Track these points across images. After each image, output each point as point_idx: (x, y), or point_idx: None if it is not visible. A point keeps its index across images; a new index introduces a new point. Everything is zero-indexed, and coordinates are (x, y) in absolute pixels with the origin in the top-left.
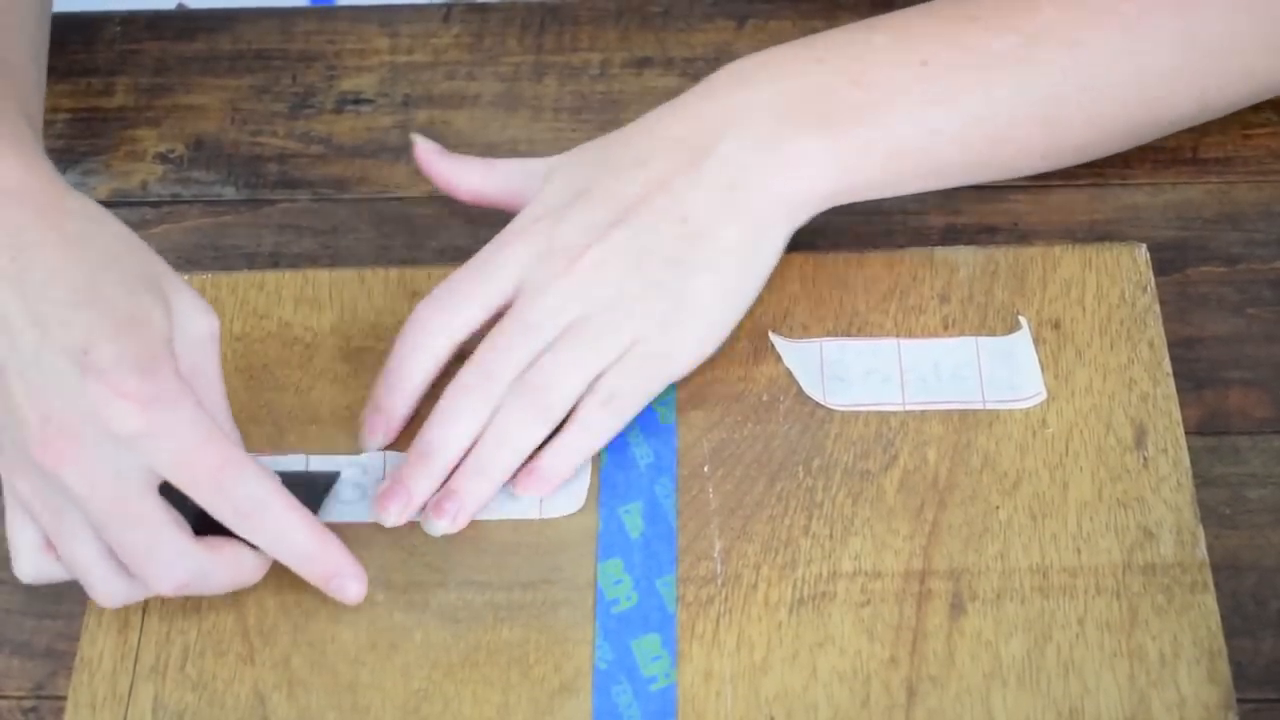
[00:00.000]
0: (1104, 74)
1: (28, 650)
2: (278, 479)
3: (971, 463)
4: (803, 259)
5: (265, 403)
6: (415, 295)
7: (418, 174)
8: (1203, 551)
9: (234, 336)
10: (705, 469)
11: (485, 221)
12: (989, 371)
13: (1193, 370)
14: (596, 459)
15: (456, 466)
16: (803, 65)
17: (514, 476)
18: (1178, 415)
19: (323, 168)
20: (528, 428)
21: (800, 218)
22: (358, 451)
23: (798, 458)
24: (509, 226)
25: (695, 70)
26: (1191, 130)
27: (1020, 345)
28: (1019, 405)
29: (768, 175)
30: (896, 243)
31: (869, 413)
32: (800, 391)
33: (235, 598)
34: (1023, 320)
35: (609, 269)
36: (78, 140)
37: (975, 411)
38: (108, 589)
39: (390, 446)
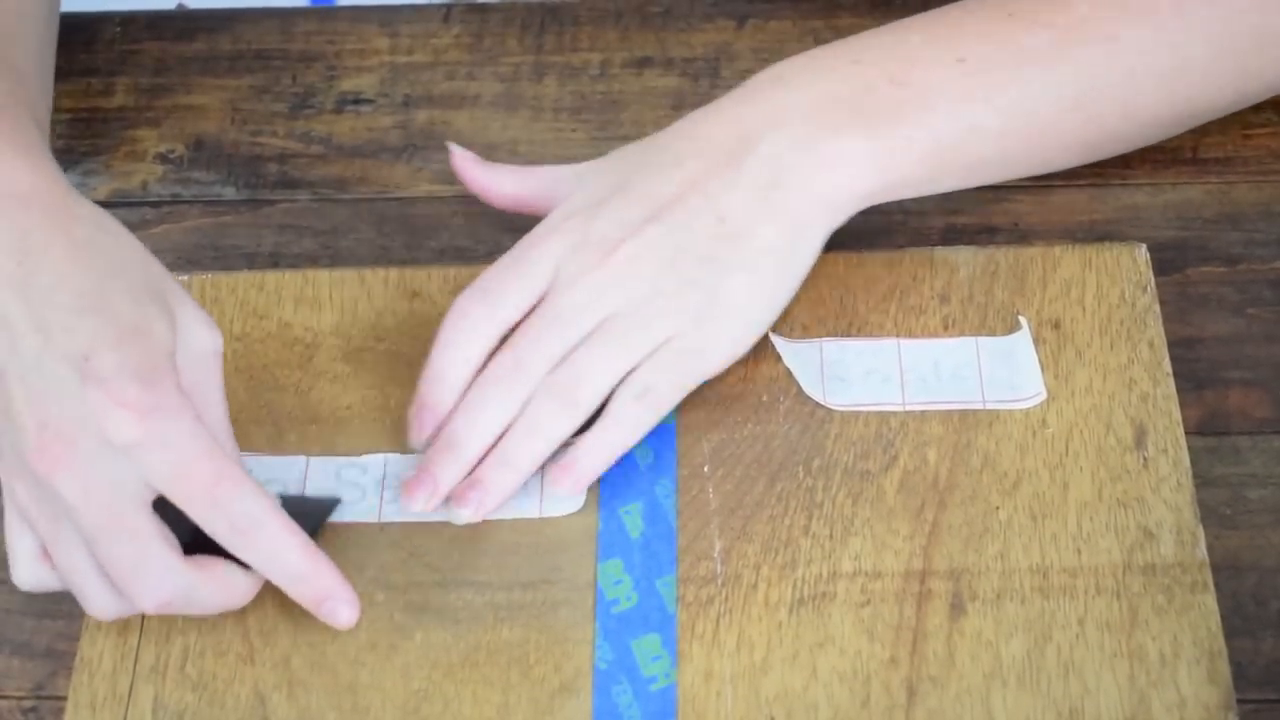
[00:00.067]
0: (1140, 68)
1: (28, 650)
2: (275, 498)
3: (971, 463)
4: None
5: (265, 403)
6: (415, 295)
7: (418, 174)
8: (1203, 552)
9: (234, 337)
10: (705, 469)
11: (485, 222)
12: (989, 371)
13: (1193, 370)
14: None
15: (483, 457)
16: (840, 66)
17: (548, 471)
18: (1178, 415)
19: (323, 168)
20: (557, 420)
21: (839, 218)
22: (357, 452)
23: (798, 458)
24: (544, 221)
25: (695, 70)
26: (1192, 130)
27: (1020, 345)
28: (1019, 405)
29: (807, 175)
30: (896, 243)
31: (869, 413)
32: (800, 391)
33: None
34: (1023, 320)
35: (643, 264)
36: (78, 140)
37: (975, 411)
38: (101, 603)
39: (391, 449)
